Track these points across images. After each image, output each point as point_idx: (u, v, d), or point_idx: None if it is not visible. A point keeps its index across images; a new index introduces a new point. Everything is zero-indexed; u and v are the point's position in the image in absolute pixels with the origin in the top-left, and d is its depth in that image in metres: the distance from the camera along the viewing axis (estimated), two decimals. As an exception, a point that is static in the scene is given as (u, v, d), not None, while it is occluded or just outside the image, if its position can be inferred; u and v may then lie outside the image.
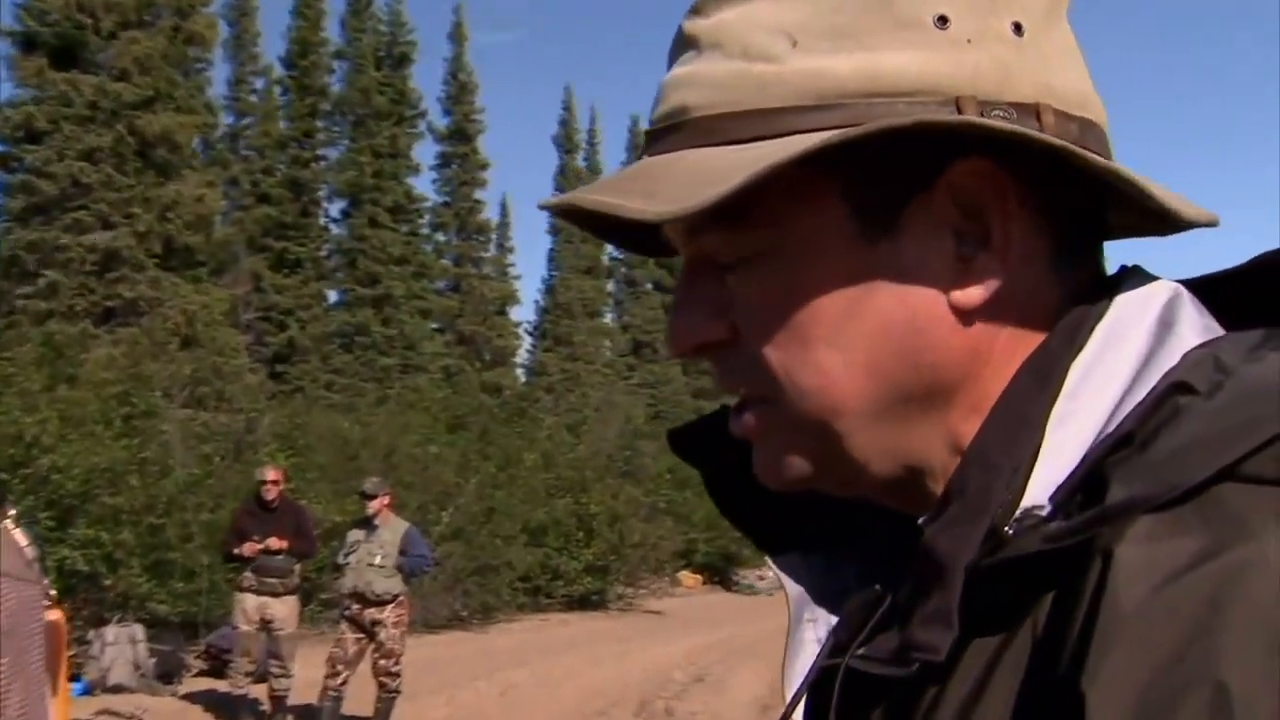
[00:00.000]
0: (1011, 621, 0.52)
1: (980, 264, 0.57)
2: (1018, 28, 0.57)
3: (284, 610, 8.46)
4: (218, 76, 28.41)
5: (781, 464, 0.63)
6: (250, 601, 8.45)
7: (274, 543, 8.30)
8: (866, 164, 0.56)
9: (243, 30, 29.57)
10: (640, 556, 19.47)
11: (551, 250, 39.02)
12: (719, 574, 23.54)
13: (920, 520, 0.58)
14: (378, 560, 8.13)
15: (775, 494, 0.65)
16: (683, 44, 0.62)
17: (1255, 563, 0.46)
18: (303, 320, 27.64)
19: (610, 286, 42.34)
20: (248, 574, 8.42)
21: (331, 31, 30.60)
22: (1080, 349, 0.56)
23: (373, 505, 8.25)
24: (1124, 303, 0.57)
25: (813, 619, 0.69)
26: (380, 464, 14.48)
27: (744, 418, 0.63)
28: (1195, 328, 0.56)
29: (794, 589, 0.69)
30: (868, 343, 0.58)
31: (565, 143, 40.33)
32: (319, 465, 14.69)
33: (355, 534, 8.35)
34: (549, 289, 38.44)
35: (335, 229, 30.39)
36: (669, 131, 0.60)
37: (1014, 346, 0.58)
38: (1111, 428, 0.53)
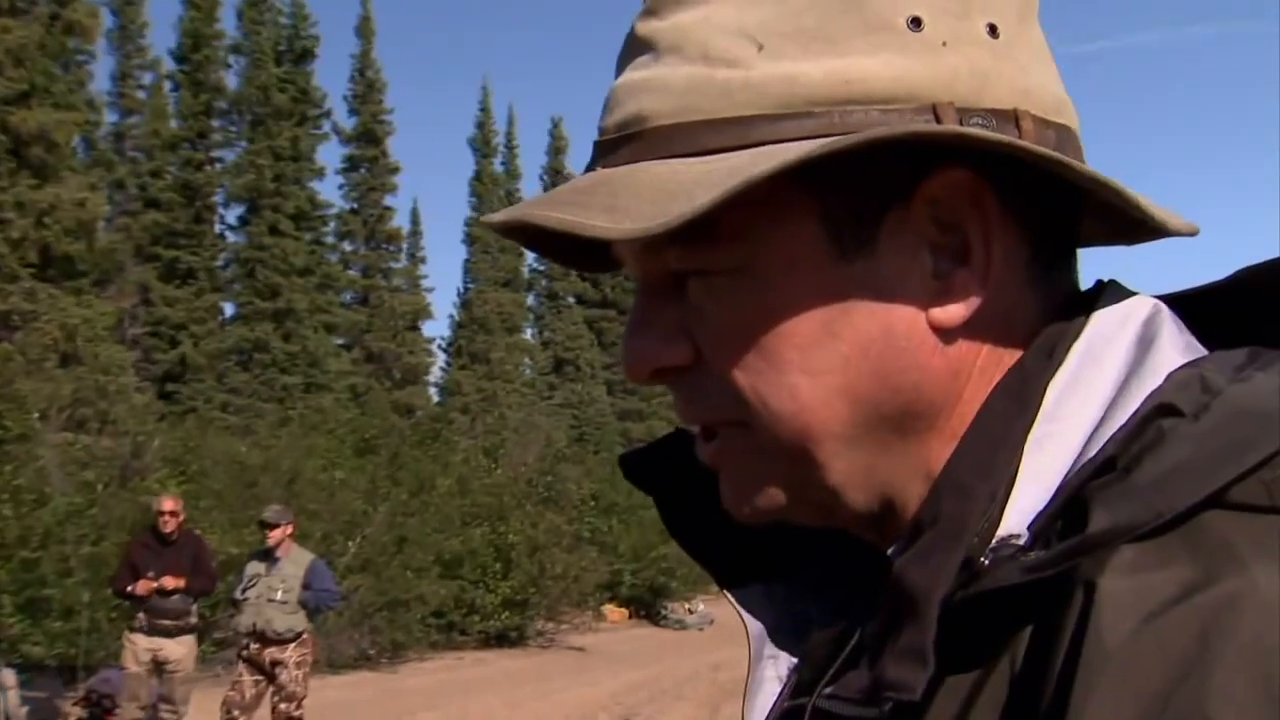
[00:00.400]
0: (988, 657, 0.52)
1: (959, 280, 0.57)
2: (993, 30, 0.58)
3: (179, 651, 8.32)
4: (101, 71, 27.89)
5: (752, 494, 0.62)
6: (142, 642, 8.30)
7: (169, 582, 8.17)
8: (841, 176, 0.56)
9: (128, 20, 29.12)
10: (562, 589, 19.36)
11: (467, 261, 38.95)
12: (646, 608, 23.52)
13: (889, 550, 0.58)
14: (279, 595, 8.07)
15: (734, 522, 0.65)
16: (636, 47, 0.61)
17: (1245, 595, 0.46)
18: (196, 335, 27.31)
19: (530, 300, 42.34)
20: (140, 614, 8.27)
21: (227, 23, 30.29)
22: (1057, 368, 0.56)
23: (273, 535, 8.17)
24: (1101, 319, 0.57)
25: (774, 656, 0.69)
26: (281, 491, 14.28)
27: (711, 445, 0.63)
28: (1176, 345, 0.56)
29: (754, 625, 0.69)
30: (844, 365, 0.58)
31: (481, 146, 40.27)
32: (214, 493, 14.48)
33: (254, 567, 8.27)
34: (464, 302, 38.30)
35: (232, 237, 30.17)
36: (624, 141, 0.59)
37: (991, 366, 0.58)
38: (1092, 451, 0.53)
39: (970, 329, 0.58)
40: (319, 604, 8.30)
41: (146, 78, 29.40)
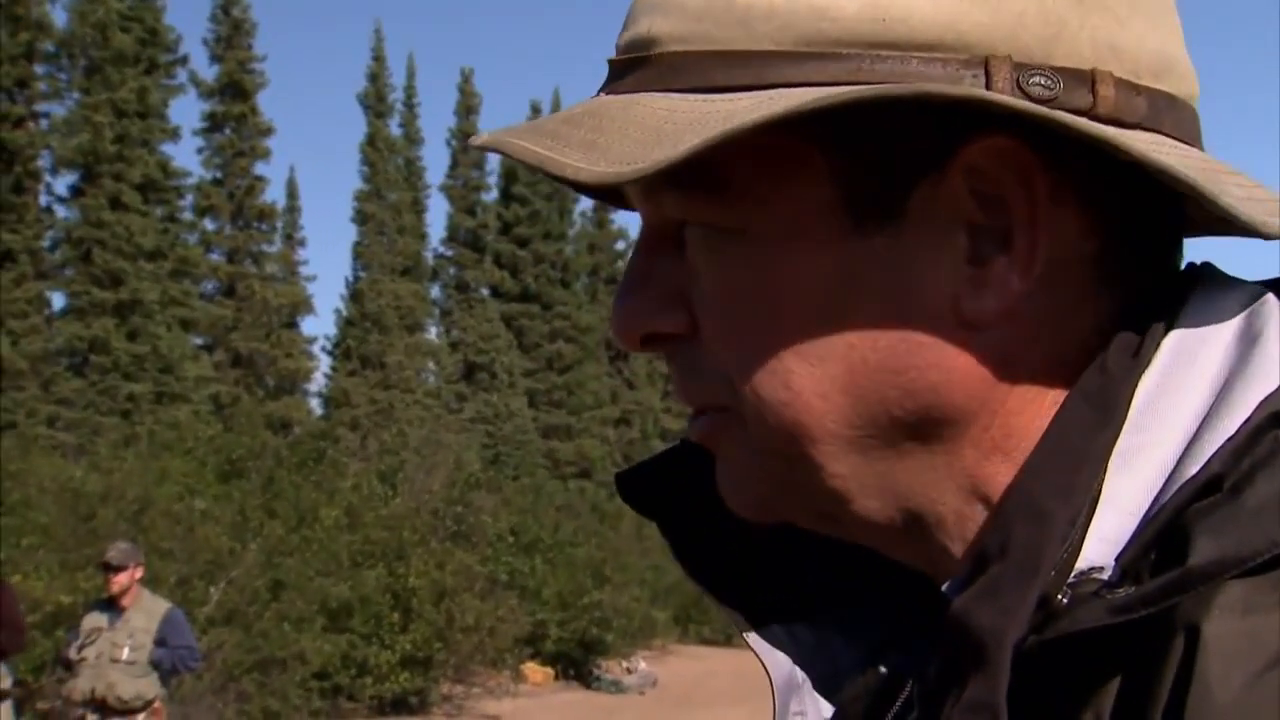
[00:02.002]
0: (1068, 712, 0.54)
1: (999, 269, 0.59)
2: None
3: None
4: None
5: (746, 488, 0.65)
6: (-70, 715, 8.21)
7: None
8: (864, 134, 0.58)
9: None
10: (474, 644, 19.47)
11: (357, 244, 38.88)
12: (575, 666, 23.74)
13: (945, 586, 0.60)
14: (125, 654, 8.03)
15: (749, 551, 0.69)
16: None
17: None
18: (15, 333, 27.08)
19: (435, 292, 42.51)
20: (-73, 679, 8.23)
21: (56, -54, 29.92)
22: (1144, 370, 0.57)
23: (117, 580, 8.11)
24: (1195, 312, 0.59)
25: (800, 711, 0.71)
26: (127, 525, 14.19)
27: (700, 422, 0.66)
28: None
29: (779, 673, 0.71)
30: (849, 354, 0.60)
31: (374, 103, 40.28)
32: (40, 528, 14.40)
33: (93, 620, 8.24)
34: (353, 294, 38.33)
35: (61, 211, 30.12)
36: (632, 65, 0.62)
37: (1048, 372, 0.60)
38: (1191, 468, 0.54)
39: (1012, 328, 0.59)
40: (175, 664, 8.25)
41: (-49, 12, 29.05)
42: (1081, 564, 0.54)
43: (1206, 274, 0.62)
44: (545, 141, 0.59)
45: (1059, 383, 0.60)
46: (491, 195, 44.11)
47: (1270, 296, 0.59)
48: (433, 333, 41.74)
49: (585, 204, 43.10)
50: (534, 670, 22.55)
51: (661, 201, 0.63)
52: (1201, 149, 0.63)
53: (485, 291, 43.25)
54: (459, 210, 43.39)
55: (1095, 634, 0.52)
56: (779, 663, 0.71)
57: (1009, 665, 0.53)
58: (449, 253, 43.46)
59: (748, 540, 0.71)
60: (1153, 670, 0.50)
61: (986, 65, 0.57)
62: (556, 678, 23.23)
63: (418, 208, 41.32)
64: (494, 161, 44.35)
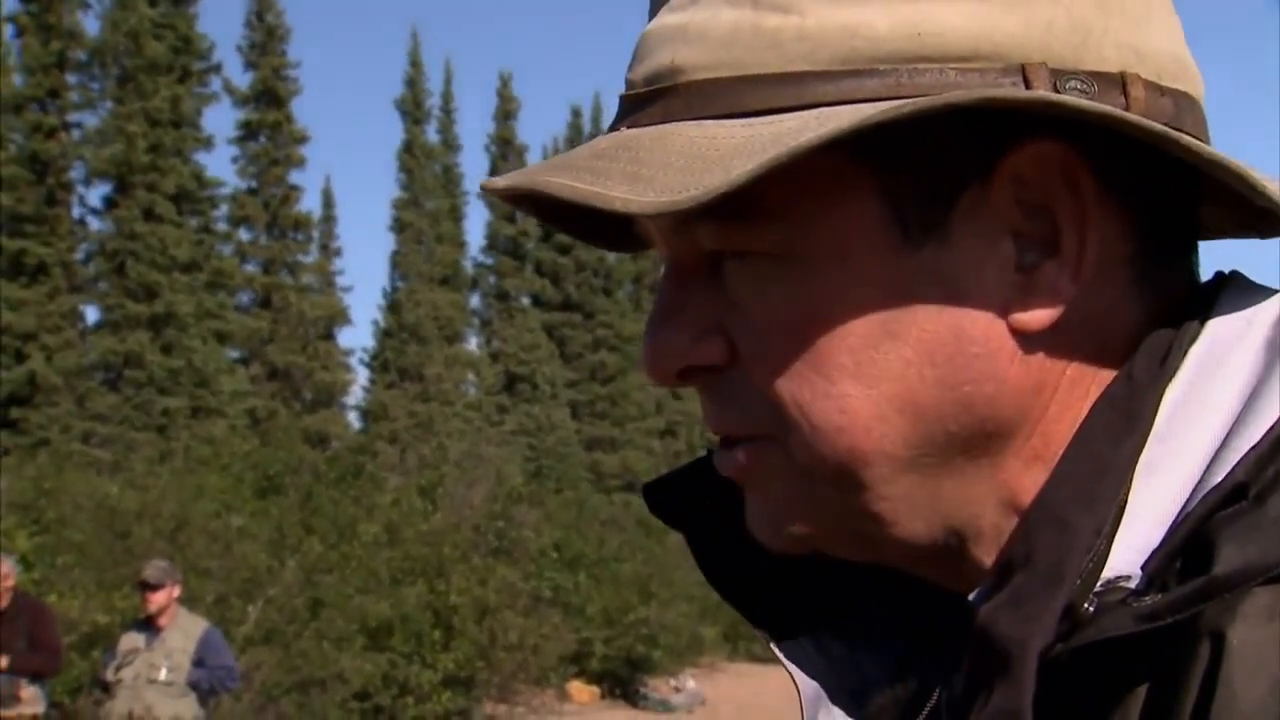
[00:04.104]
0: (1096, 719, 0.55)
1: (1047, 274, 0.60)
2: None
3: None
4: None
5: (784, 518, 0.66)
6: (-32, 736, 8.35)
7: None
8: (908, 148, 0.59)
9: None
10: (517, 663, 19.46)
11: (394, 254, 38.99)
12: (621, 685, 23.69)
13: (971, 596, 0.60)
14: (162, 675, 8.07)
15: (778, 561, 0.69)
16: None
17: None
18: (49, 348, 27.33)
19: (474, 302, 42.59)
20: (-38, 701, 8.37)
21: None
22: (1171, 377, 0.58)
23: (154, 599, 8.16)
24: (1223, 320, 0.59)
25: None
26: (164, 543, 14.31)
27: (735, 454, 0.66)
28: None
29: (808, 687, 0.71)
30: (905, 373, 0.61)
31: (411, 109, 40.43)
32: (76, 546, 14.53)
33: (130, 640, 8.30)
34: (391, 305, 38.46)
35: (95, 223, 30.32)
36: (655, 97, 0.63)
37: (1084, 378, 0.61)
38: (1216, 477, 0.55)
39: (1059, 333, 0.60)
40: (213, 685, 8.30)
41: (-17, 22, 29.39)
42: (1108, 573, 0.54)
43: (1233, 281, 0.62)
44: (584, 177, 0.60)
45: (1094, 389, 0.61)
46: (531, 201, 44.16)
47: None
48: (472, 343, 41.88)
49: (627, 209, 43.11)
50: (579, 689, 22.52)
51: (696, 233, 0.64)
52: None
53: (526, 300, 43.34)
54: (498, 217, 43.51)
55: (1122, 642, 0.53)
56: (806, 676, 0.72)
57: (1034, 673, 0.54)
58: (489, 261, 43.62)
59: (773, 553, 0.71)
60: (1179, 677, 0.51)
61: (1024, 72, 0.58)
62: (602, 696, 23.19)
63: (456, 215, 41.46)
64: (533, 167, 44.50)
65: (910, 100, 0.56)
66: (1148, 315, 0.61)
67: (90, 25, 30.19)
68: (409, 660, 17.69)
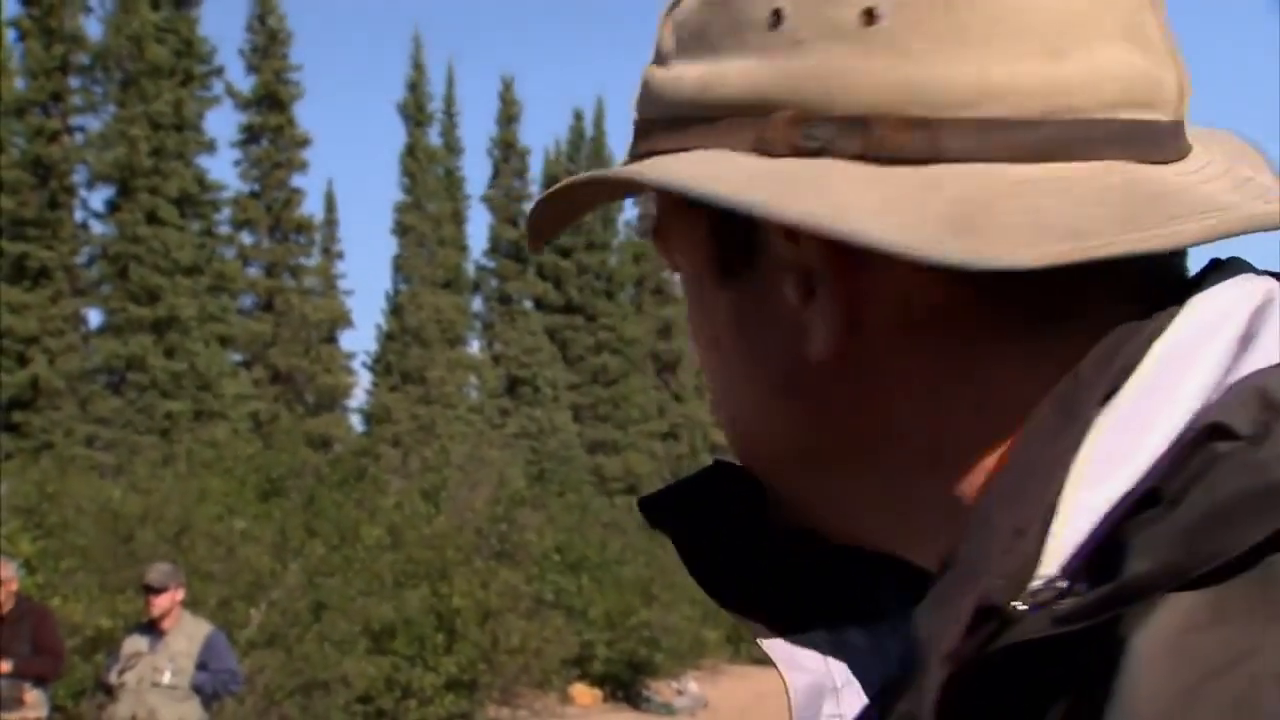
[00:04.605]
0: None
1: (819, 310, 0.62)
2: (869, 16, 0.60)
3: None
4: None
5: (776, 507, 0.70)
6: (-29, 741, 8.33)
7: None
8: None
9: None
10: (520, 666, 19.43)
11: (397, 256, 38.97)
12: (623, 688, 23.65)
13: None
14: (166, 679, 8.06)
15: (782, 559, 0.71)
16: None
17: None
18: (51, 351, 27.33)
19: (476, 305, 42.53)
20: (-36, 706, 8.35)
21: (89, -42, 30.21)
22: (1127, 375, 0.56)
23: (158, 603, 8.16)
24: (1194, 313, 0.58)
25: (839, 715, 0.70)
26: (167, 546, 14.30)
27: None
28: None
29: (804, 679, 0.70)
30: (754, 388, 0.66)
31: (413, 112, 40.40)
32: (79, 550, 14.52)
33: (134, 643, 8.29)
34: (393, 308, 38.46)
35: (97, 227, 30.30)
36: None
37: (969, 386, 0.61)
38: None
39: (882, 369, 0.62)
40: (217, 688, 8.30)
41: (-15, 26, 29.39)
42: (1043, 573, 0.54)
43: (1224, 268, 0.61)
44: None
45: (971, 389, 0.61)
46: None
47: (1277, 291, 0.59)
48: (474, 346, 41.84)
49: (629, 213, 43.19)
50: (582, 692, 22.48)
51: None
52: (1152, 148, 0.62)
53: (528, 303, 43.29)
54: (501, 220, 43.49)
55: (1041, 645, 0.52)
56: (803, 669, 0.71)
57: (938, 676, 0.54)
58: (491, 264, 43.58)
59: (781, 549, 0.72)
60: (1092, 683, 0.50)
61: (769, 122, 0.61)
62: (605, 699, 23.14)
63: (458, 219, 41.41)
64: (536, 170, 44.49)
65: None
66: (1089, 320, 0.60)
67: (93, 29, 30.29)
68: (412, 663, 17.68)
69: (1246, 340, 0.57)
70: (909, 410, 0.62)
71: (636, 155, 0.68)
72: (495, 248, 43.69)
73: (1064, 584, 0.53)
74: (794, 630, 0.72)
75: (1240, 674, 0.47)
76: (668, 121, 0.65)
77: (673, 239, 0.69)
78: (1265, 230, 0.58)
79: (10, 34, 29.10)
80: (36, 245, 27.95)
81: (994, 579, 0.54)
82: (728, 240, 0.64)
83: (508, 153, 43.90)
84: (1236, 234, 0.58)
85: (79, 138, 29.81)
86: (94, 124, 30.08)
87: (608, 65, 76.80)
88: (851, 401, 0.63)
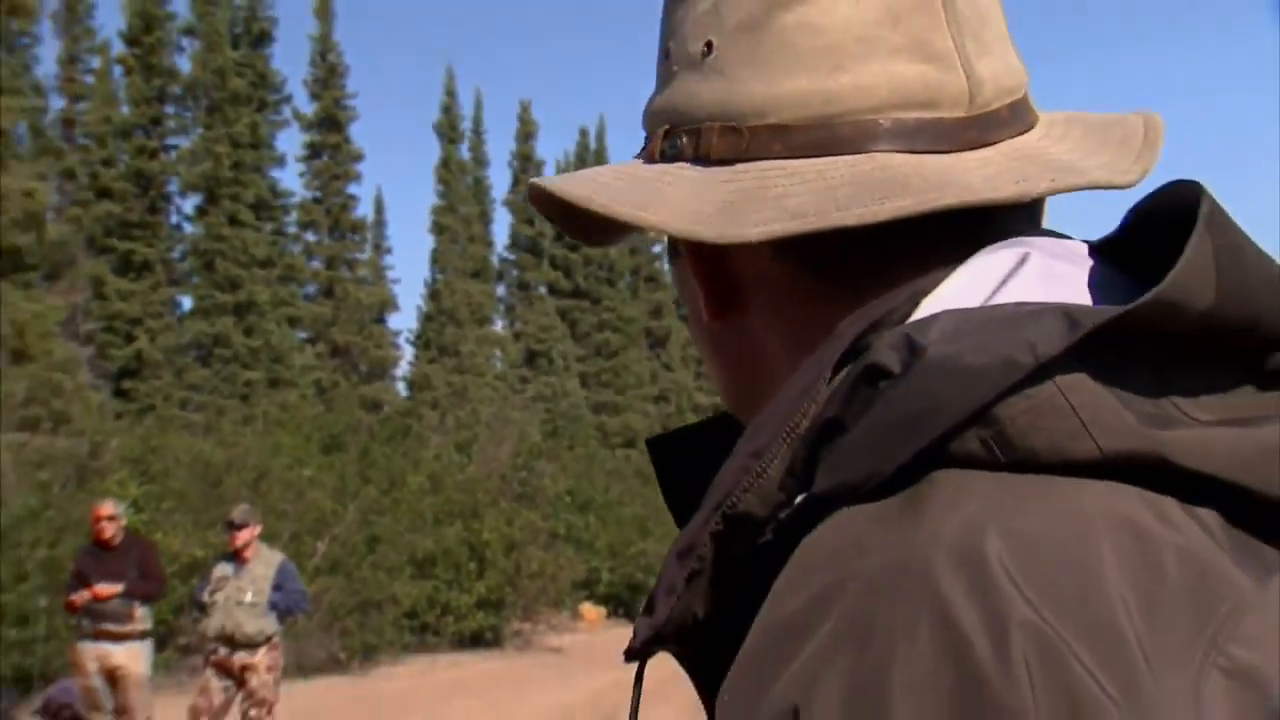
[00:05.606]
0: (740, 612, 0.53)
1: (719, 289, 0.65)
2: (708, 48, 0.63)
3: (125, 658, 8.29)
4: (46, 54, 27.55)
5: None
6: (89, 650, 8.29)
7: (103, 591, 8.15)
8: None
9: (75, 1, 28.75)
10: (538, 588, 19.45)
11: (434, 251, 38.79)
12: (623, 606, 23.66)
13: None
14: (248, 598, 8.07)
15: None
16: None
17: (883, 563, 0.45)
18: (152, 330, 27.22)
19: (500, 291, 42.35)
20: (85, 620, 8.28)
21: (179, 4, 30.09)
22: (863, 331, 0.55)
23: (240, 536, 8.16)
24: (958, 278, 0.57)
25: None
26: (248, 490, 14.31)
27: None
28: (1016, 298, 0.54)
29: None
30: (710, 357, 0.69)
31: (447, 131, 40.09)
32: (177, 493, 14.50)
33: (221, 569, 8.27)
34: (431, 294, 38.21)
35: (188, 228, 30.06)
36: None
37: (787, 347, 0.63)
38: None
39: (753, 332, 0.65)
40: (289, 607, 8.30)
41: (95, 61, 29.13)
42: (774, 487, 0.54)
43: (1006, 243, 0.58)
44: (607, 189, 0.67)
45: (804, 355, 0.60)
46: (547, 208, 43.80)
47: (1035, 254, 0.56)
48: (499, 325, 41.65)
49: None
50: (589, 610, 22.51)
51: None
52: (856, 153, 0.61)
53: (543, 289, 43.10)
54: (520, 220, 43.27)
55: (766, 547, 0.53)
56: None
57: (674, 568, 0.57)
58: (512, 257, 43.38)
59: None
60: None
61: (664, 135, 0.64)
62: (608, 616, 23.16)
63: (485, 219, 41.19)
64: (549, 180, 44.12)
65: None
66: (859, 298, 0.59)
67: (183, 64, 29.99)
68: (449, 586, 17.70)
69: (992, 295, 0.55)
70: (775, 360, 0.64)
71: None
72: (515, 243, 43.49)
73: (782, 496, 0.53)
74: None
75: (843, 568, 0.46)
76: (651, 135, 0.68)
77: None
78: (973, 205, 0.57)
79: (117, 70, 28.97)
80: (139, 244, 27.80)
81: (737, 492, 0.54)
82: (672, 246, 0.68)
83: (525, 164, 43.64)
84: (939, 209, 0.56)
85: (173, 154, 29.57)
86: (185, 143, 29.83)
87: (609, 90, 76.31)
88: (738, 355, 0.66)
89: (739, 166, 0.61)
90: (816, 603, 0.46)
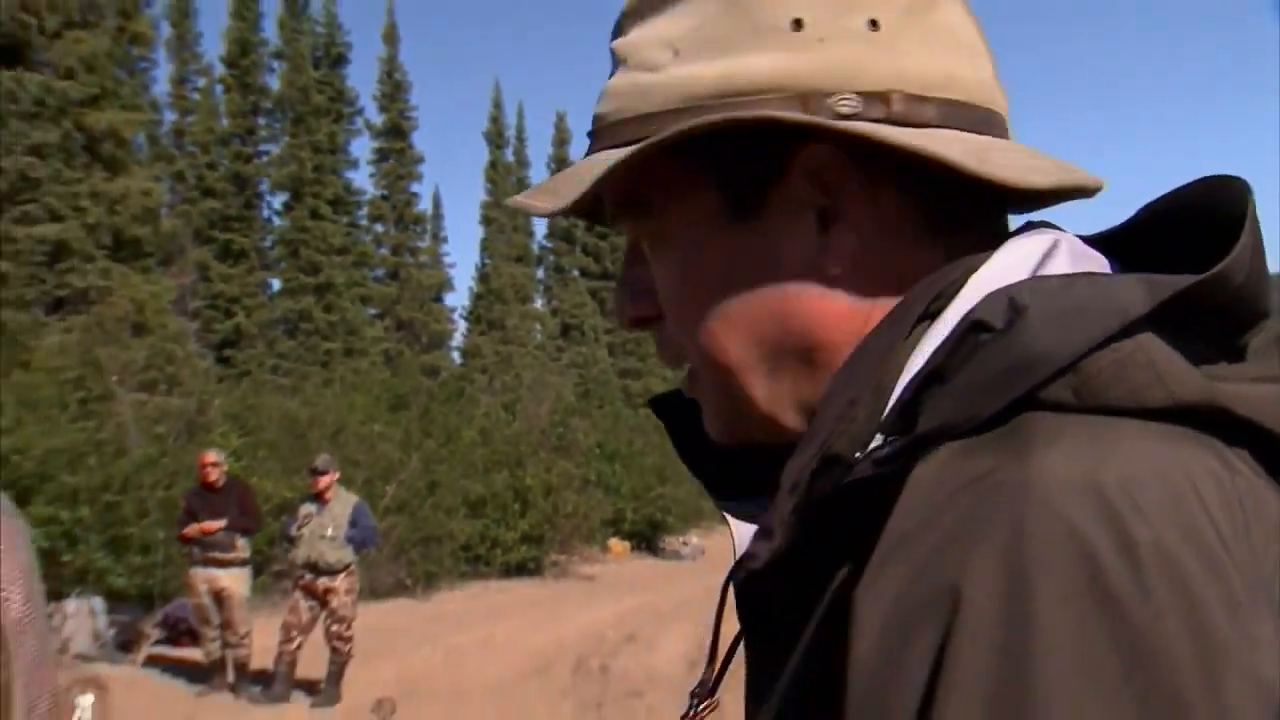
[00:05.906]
0: (847, 544, 0.52)
1: (837, 237, 0.58)
2: (873, 24, 0.58)
3: (228, 581, 8.40)
4: (160, 75, 27.52)
5: (717, 423, 0.65)
6: (199, 575, 8.42)
7: (210, 526, 8.27)
8: (732, 156, 0.59)
9: (183, 30, 28.82)
10: (573, 526, 19.36)
11: (483, 240, 38.70)
12: (646, 541, 23.46)
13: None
14: (329, 532, 8.11)
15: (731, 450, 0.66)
16: (611, 60, 0.65)
17: (1014, 483, 0.44)
18: (248, 308, 27.16)
19: (539, 273, 42.12)
20: (195, 549, 8.39)
21: (269, 32, 29.98)
22: (949, 299, 0.55)
23: (322, 481, 8.20)
24: (1003, 256, 0.56)
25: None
26: (328, 443, 14.15)
27: (684, 379, 0.67)
28: (1061, 269, 0.55)
29: (742, 528, 0.66)
30: (746, 312, 0.60)
31: (494, 138, 39.86)
32: (269, 445, 14.46)
33: (306, 508, 8.32)
34: (481, 276, 38.07)
35: (277, 221, 29.91)
36: (592, 135, 0.64)
37: (882, 307, 0.58)
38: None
39: (855, 278, 0.58)
40: (364, 540, 8.35)
41: (200, 81, 29.11)
42: (873, 433, 0.52)
43: (1029, 227, 0.59)
44: (532, 193, 0.62)
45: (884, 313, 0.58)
46: (581, 204, 43.27)
47: (1064, 240, 0.56)
48: (538, 303, 41.46)
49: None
50: (616, 545, 22.31)
51: (623, 225, 0.64)
52: (1001, 135, 0.61)
53: (576, 272, 42.80)
54: (557, 215, 42.91)
55: (867, 484, 0.50)
56: (743, 521, 0.67)
57: (789, 502, 0.53)
58: (549, 244, 43.21)
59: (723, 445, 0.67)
60: (888, 508, 0.48)
61: (804, 98, 0.57)
62: (633, 549, 22.91)
63: (527, 213, 40.89)
64: (582, 179, 43.63)
65: (690, 121, 0.56)
66: (937, 261, 0.57)
67: (273, 83, 29.97)
68: (497, 524, 17.62)
69: (1034, 272, 0.54)
70: (872, 320, 0.58)
71: (627, 142, 0.60)
72: (552, 233, 43.23)
73: (882, 439, 0.52)
74: (742, 498, 0.70)
75: (968, 490, 0.45)
76: (674, 111, 0.59)
77: (661, 205, 0.62)
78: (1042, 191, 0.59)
79: (218, 88, 29.02)
80: (236, 234, 27.73)
81: (835, 436, 0.53)
82: (737, 191, 0.59)
83: (561, 166, 43.04)
84: (1062, 187, 0.59)
85: (264, 159, 29.50)
86: (274, 149, 29.69)
87: (633, 104, 75.08)
88: (829, 313, 0.59)
89: (923, 131, 0.57)
90: (951, 508, 0.45)
